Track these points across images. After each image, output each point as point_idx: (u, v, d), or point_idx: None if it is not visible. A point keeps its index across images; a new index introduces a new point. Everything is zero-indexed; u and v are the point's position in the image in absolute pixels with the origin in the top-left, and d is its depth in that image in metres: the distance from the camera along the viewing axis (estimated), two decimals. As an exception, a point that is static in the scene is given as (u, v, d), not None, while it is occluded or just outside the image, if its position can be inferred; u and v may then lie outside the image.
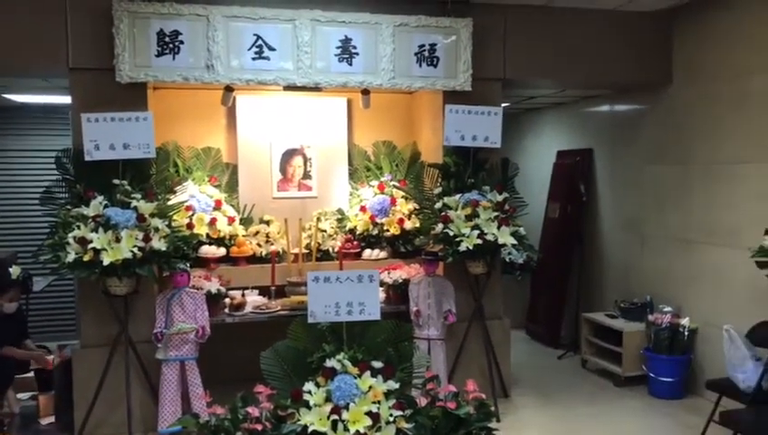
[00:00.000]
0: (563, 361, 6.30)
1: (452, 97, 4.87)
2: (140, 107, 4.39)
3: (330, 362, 2.74)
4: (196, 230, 4.90)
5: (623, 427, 4.70)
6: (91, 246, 3.90)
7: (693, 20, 5.18)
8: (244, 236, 5.24)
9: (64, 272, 4.02)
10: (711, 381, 4.43)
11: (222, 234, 5.13)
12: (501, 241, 4.53)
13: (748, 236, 4.40)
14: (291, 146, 5.58)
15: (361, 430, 2.51)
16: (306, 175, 5.62)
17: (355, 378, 2.69)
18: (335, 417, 2.54)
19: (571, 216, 6.77)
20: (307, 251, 5.24)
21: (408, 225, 5.39)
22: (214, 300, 4.55)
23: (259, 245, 5.25)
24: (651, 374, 5.25)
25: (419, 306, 4.78)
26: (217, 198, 5.23)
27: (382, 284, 4.88)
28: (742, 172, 4.74)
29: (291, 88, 4.73)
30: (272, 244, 5.26)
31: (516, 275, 7.01)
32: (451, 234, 4.55)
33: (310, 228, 5.37)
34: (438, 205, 4.74)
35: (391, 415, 2.59)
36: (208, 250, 5.04)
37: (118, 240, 3.95)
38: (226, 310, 4.71)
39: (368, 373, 2.70)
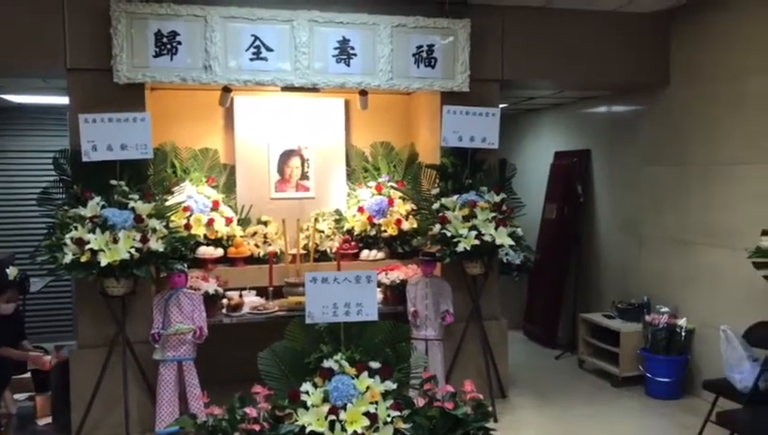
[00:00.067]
0: (561, 361, 6.31)
1: (450, 98, 4.87)
2: (138, 108, 4.39)
3: (327, 363, 2.75)
4: (193, 231, 4.91)
5: (620, 427, 4.71)
6: (88, 246, 3.90)
7: (690, 21, 5.19)
8: (241, 236, 5.25)
9: (61, 273, 4.01)
10: (708, 382, 4.44)
11: (219, 234, 5.13)
12: (498, 242, 4.54)
13: (745, 237, 4.41)
14: (288, 147, 5.58)
15: (359, 431, 2.51)
16: (304, 176, 5.62)
17: (353, 378, 2.69)
18: (333, 417, 2.55)
19: (568, 216, 6.78)
20: (305, 252, 5.24)
21: (406, 225, 5.39)
22: (211, 301, 4.55)
23: (257, 245, 5.25)
24: (648, 375, 5.25)
25: (417, 307, 4.79)
26: (215, 199, 5.23)
27: (380, 284, 4.88)
28: (739, 173, 4.75)
29: (288, 89, 4.73)
30: (269, 244, 5.26)
31: (514, 276, 7.02)
32: (448, 234, 4.56)
33: (307, 229, 5.37)
34: (436, 205, 4.75)
35: (389, 415, 2.59)
36: (206, 251, 5.04)
37: (115, 241, 3.95)
38: (224, 311, 4.70)
39: (365, 374, 2.71)
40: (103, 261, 3.89)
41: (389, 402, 2.64)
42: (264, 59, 4.50)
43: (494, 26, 5.02)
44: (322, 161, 5.64)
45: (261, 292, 5.05)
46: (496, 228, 4.55)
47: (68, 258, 3.90)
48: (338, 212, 5.62)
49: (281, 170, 5.58)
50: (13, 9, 4.24)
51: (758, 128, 4.59)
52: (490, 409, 2.89)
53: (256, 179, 5.51)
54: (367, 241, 5.47)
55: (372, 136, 5.83)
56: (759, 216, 4.43)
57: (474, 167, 4.86)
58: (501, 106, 5.11)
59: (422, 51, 4.78)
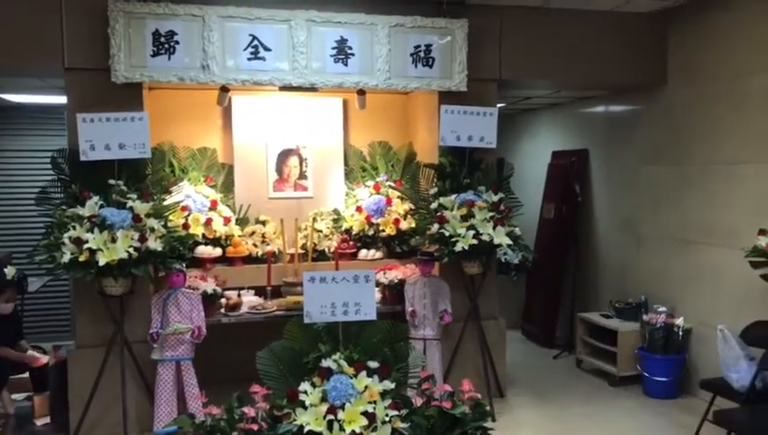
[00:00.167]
0: (558, 361, 6.32)
1: (447, 97, 4.88)
2: (136, 107, 4.39)
3: (326, 363, 2.75)
4: (191, 230, 4.90)
5: (618, 426, 4.72)
6: (86, 246, 3.90)
7: (688, 21, 5.20)
8: (239, 236, 5.25)
9: (60, 272, 4.01)
10: (705, 381, 4.45)
11: (218, 234, 5.13)
12: (496, 241, 4.54)
13: (742, 236, 4.42)
14: (286, 146, 5.58)
15: (357, 430, 2.52)
16: (302, 175, 5.62)
17: (351, 378, 2.69)
18: (331, 417, 2.55)
19: (566, 216, 6.78)
20: (303, 251, 5.25)
21: (404, 225, 5.40)
22: (210, 300, 4.55)
23: (255, 245, 5.25)
24: (646, 374, 5.27)
25: (415, 306, 4.79)
26: (213, 199, 5.22)
27: (378, 284, 4.89)
28: (738, 173, 4.76)
29: (286, 88, 4.73)
30: (268, 244, 5.26)
31: (512, 276, 7.02)
32: (447, 234, 4.56)
33: (306, 229, 5.37)
34: (434, 205, 4.75)
35: (387, 415, 2.59)
36: (204, 250, 5.03)
37: (113, 240, 3.95)
38: (222, 310, 4.71)
39: (364, 373, 2.71)
40: (101, 260, 3.89)
41: (388, 402, 2.64)
42: (262, 58, 4.50)
43: (492, 26, 5.03)
44: (321, 161, 5.65)
45: (259, 291, 5.06)
46: (494, 228, 4.55)
47: (66, 258, 3.90)
48: (336, 212, 5.62)
49: (279, 170, 5.58)
50: (11, 9, 4.24)
51: (757, 127, 4.60)
52: (488, 408, 2.89)
53: (254, 179, 5.51)
54: (365, 241, 5.47)
55: (370, 135, 5.83)
56: (757, 215, 4.44)
57: (472, 166, 4.87)
58: (499, 106, 5.12)
59: (420, 50, 4.78)
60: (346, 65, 4.65)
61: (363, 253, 5.43)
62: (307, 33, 4.54)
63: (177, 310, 4.30)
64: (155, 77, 4.36)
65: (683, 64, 5.30)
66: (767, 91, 4.52)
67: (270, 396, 2.72)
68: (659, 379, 5.17)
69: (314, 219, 5.45)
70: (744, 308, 4.54)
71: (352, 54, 4.65)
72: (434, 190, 4.86)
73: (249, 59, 4.48)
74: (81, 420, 4.32)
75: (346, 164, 5.75)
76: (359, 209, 5.50)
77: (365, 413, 2.57)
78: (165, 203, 4.48)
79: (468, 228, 4.54)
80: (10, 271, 4.86)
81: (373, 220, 5.44)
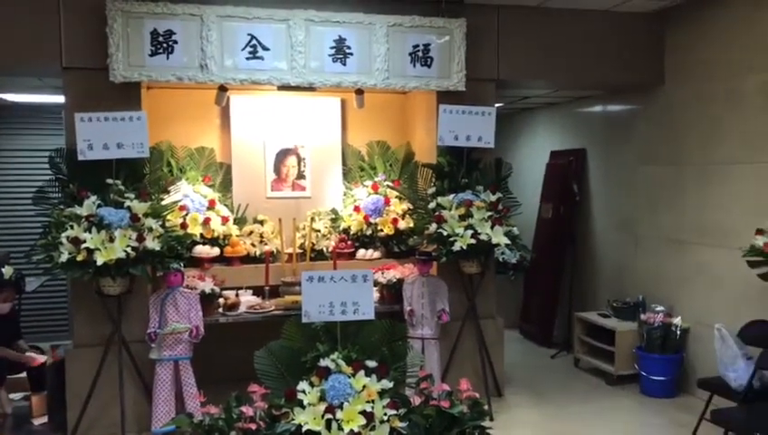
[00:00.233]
0: (556, 360, 6.33)
1: (446, 97, 4.88)
2: (134, 106, 4.38)
3: (324, 362, 2.75)
4: (189, 230, 4.89)
5: (615, 425, 4.73)
6: (84, 245, 3.89)
7: (685, 20, 5.21)
8: (237, 235, 5.24)
9: (57, 272, 4.00)
10: (702, 380, 4.46)
11: (216, 234, 5.12)
12: (494, 241, 4.55)
13: (740, 236, 4.43)
14: (285, 146, 5.58)
15: (355, 430, 2.51)
16: (300, 175, 5.62)
17: (349, 377, 2.69)
18: (329, 416, 2.55)
19: (564, 216, 6.79)
20: (301, 251, 5.25)
21: (402, 225, 5.40)
22: (208, 300, 4.54)
23: (253, 245, 5.25)
24: (643, 373, 5.28)
25: (413, 306, 4.79)
26: (211, 198, 5.22)
27: (376, 283, 4.89)
28: (735, 172, 4.78)
29: (285, 88, 4.73)
30: (266, 244, 5.26)
31: (510, 275, 7.03)
32: (445, 234, 4.56)
33: (304, 228, 5.37)
34: (432, 205, 4.76)
35: (385, 414, 2.59)
36: (202, 250, 5.03)
37: (111, 240, 3.94)
38: (220, 310, 4.70)
39: (362, 373, 2.71)
40: (99, 260, 3.88)
41: (386, 401, 2.64)
42: (261, 58, 4.50)
43: (490, 26, 5.03)
44: (319, 160, 5.65)
45: (257, 291, 5.06)
46: (492, 228, 4.56)
47: (64, 257, 3.89)
48: (334, 211, 5.62)
49: (277, 169, 5.58)
50: (9, 8, 4.23)
51: (753, 127, 4.61)
52: (486, 407, 2.89)
53: (252, 178, 5.51)
54: (363, 240, 5.47)
55: (368, 135, 5.83)
56: (754, 215, 4.45)
57: (470, 166, 4.87)
58: (496, 105, 5.13)
59: (418, 50, 4.79)
60: (344, 65, 4.65)
61: (361, 252, 5.43)
62: (305, 33, 4.55)
63: (175, 310, 4.30)
64: (153, 76, 4.35)
65: (680, 64, 5.31)
66: (764, 91, 4.53)
67: (268, 395, 2.71)
68: (657, 378, 5.18)
69: (312, 219, 5.45)
70: (741, 307, 4.55)
71: (351, 54, 4.65)
72: (432, 190, 4.87)
73: (247, 58, 4.48)
74: (79, 420, 4.32)
75: (344, 164, 5.75)
76: (357, 209, 5.50)
77: (363, 412, 2.56)
78: (163, 203, 4.47)
79: (466, 228, 4.54)
80: (8, 271, 4.85)
81: (371, 220, 5.44)
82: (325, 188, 5.67)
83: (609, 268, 6.30)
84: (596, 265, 6.49)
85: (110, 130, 4.18)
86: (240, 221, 5.38)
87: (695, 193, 5.16)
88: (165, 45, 4.35)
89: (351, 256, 5.41)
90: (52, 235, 4.02)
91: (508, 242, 4.61)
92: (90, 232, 3.93)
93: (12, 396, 5.00)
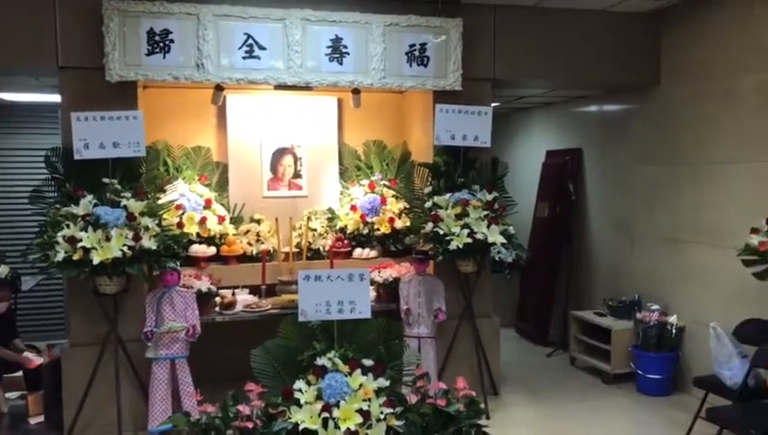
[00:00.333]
0: (552, 358, 6.35)
1: (442, 97, 4.89)
2: (130, 106, 4.38)
3: (320, 361, 2.75)
4: (186, 229, 4.89)
5: (611, 423, 4.74)
6: (80, 244, 3.89)
7: (681, 20, 5.23)
8: (234, 235, 5.24)
9: (53, 271, 4.00)
10: (698, 379, 4.48)
11: (212, 233, 5.12)
12: (490, 240, 4.56)
13: (735, 235, 4.44)
14: (281, 145, 5.58)
15: (352, 428, 2.52)
16: (296, 174, 5.62)
17: (346, 376, 2.70)
18: (326, 415, 2.56)
19: (560, 215, 6.81)
20: (297, 250, 5.25)
21: (399, 224, 5.40)
22: (204, 299, 4.54)
23: (249, 244, 5.25)
24: (639, 372, 5.29)
25: (410, 305, 4.80)
26: (207, 197, 5.22)
27: (373, 282, 4.89)
28: (730, 172, 4.79)
29: (281, 87, 4.73)
30: (262, 243, 5.26)
31: (506, 274, 7.05)
32: (441, 233, 4.57)
33: (300, 227, 5.37)
34: (428, 204, 4.76)
35: (382, 412, 2.60)
36: (198, 249, 5.03)
37: (108, 239, 3.94)
38: (217, 309, 4.70)
39: (358, 371, 2.72)
40: (96, 259, 3.88)
41: (382, 399, 2.65)
42: (257, 57, 4.51)
43: (486, 25, 5.04)
44: (315, 160, 5.65)
45: (254, 290, 5.06)
46: (488, 227, 4.57)
47: (60, 256, 3.89)
48: (331, 210, 5.62)
49: (273, 169, 5.58)
50: (4, 7, 4.22)
51: (748, 127, 4.63)
52: (482, 406, 2.91)
53: (249, 178, 5.50)
54: (360, 239, 5.48)
55: (365, 134, 5.84)
56: (749, 214, 4.46)
57: (466, 165, 4.88)
58: (493, 105, 5.14)
59: (414, 49, 4.79)
60: (341, 64, 4.66)
61: (358, 251, 5.44)
62: (302, 32, 4.55)
63: (172, 309, 4.29)
64: (149, 76, 4.35)
65: (676, 64, 5.33)
66: (759, 91, 4.55)
67: (265, 394, 2.72)
68: (653, 376, 5.20)
69: (309, 218, 5.45)
70: (736, 306, 4.57)
71: (347, 53, 4.66)
72: (428, 189, 4.87)
73: (244, 58, 4.49)
74: (75, 419, 4.31)
75: (341, 163, 5.76)
76: (353, 208, 5.50)
77: (360, 411, 2.57)
78: (159, 202, 4.47)
79: (463, 227, 4.55)
80: (3, 270, 4.85)
81: (368, 219, 5.44)
82: (322, 187, 5.68)
83: (604, 267, 6.32)
84: (592, 264, 6.50)
85: (106, 130, 4.17)
86: (236, 220, 5.38)
87: (690, 192, 5.17)
88: (161, 45, 4.35)
89: (348, 254, 5.42)
90: (49, 234, 4.01)
91: (504, 241, 4.62)
92: (86, 231, 3.93)
93: (8, 395, 4.99)
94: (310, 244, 5.32)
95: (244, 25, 4.46)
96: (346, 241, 5.45)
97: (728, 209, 4.79)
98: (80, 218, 3.98)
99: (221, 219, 5.20)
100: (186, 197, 5.11)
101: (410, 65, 4.79)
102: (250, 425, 2.57)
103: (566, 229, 6.72)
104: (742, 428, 3.76)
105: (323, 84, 4.68)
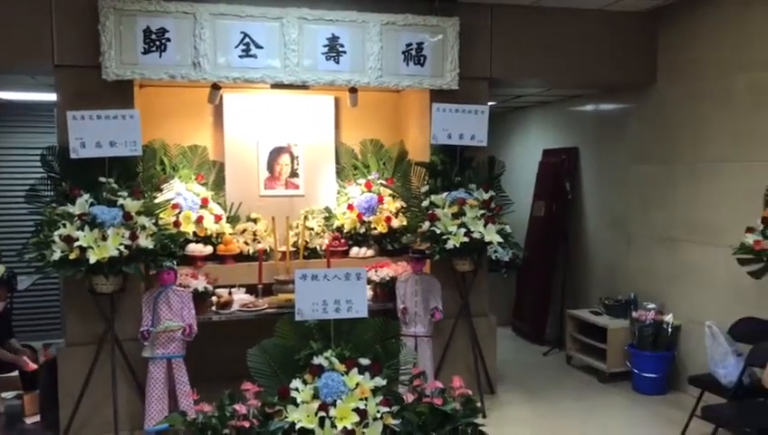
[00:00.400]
0: (548, 357, 6.36)
1: (439, 96, 4.89)
2: (127, 105, 4.37)
3: (317, 360, 2.76)
4: (182, 228, 4.88)
5: (607, 422, 4.76)
6: (77, 244, 3.88)
7: (677, 19, 5.24)
8: (231, 234, 5.24)
9: (50, 270, 3.99)
10: (693, 377, 4.50)
11: (209, 232, 5.11)
12: (487, 239, 4.56)
13: (731, 234, 4.46)
14: (278, 144, 5.57)
15: (349, 427, 2.53)
16: (293, 173, 5.62)
17: (342, 375, 2.70)
18: (322, 414, 2.56)
19: (556, 214, 6.82)
20: (294, 249, 5.25)
21: (396, 223, 5.41)
22: (201, 298, 4.54)
23: (246, 243, 5.24)
24: (635, 370, 5.31)
25: (406, 304, 4.81)
26: (204, 196, 5.21)
27: (369, 281, 4.89)
28: (724, 171, 4.81)
29: (278, 86, 4.72)
30: (259, 242, 5.26)
31: (502, 273, 7.06)
32: (438, 232, 4.58)
33: (297, 226, 5.37)
34: (425, 203, 4.77)
35: (378, 411, 2.61)
36: (195, 248, 5.02)
37: (104, 238, 3.93)
38: (213, 308, 4.70)
39: (355, 370, 2.72)
40: (92, 258, 3.87)
41: (379, 399, 2.65)
42: (254, 56, 4.50)
43: (483, 24, 5.05)
44: (312, 159, 5.65)
45: (250, 289, 5.05)
46: (485, 226, 4.57)
47: (56, 256, 3.88)
48: (327, 209, 5.62)
49: (270, 168, 5.57)
50: (0, 6, 4.21)
51: (743, 126, 4.64)
52: (479, 404, 2.91)
53: (246, 177, 5.50)
54: (356, 238, 5.48)
55: (362, 133, 5.83)
56: (744, 213, 4.47)
57: (463, 164, 4.88)
58: (489, 104, 5.14)
59: (411, 48, 4.79)
60: (338, 63, 4.66)
61: (355, 251, 5.44)
62: (299, 31, 4.54)
63: (168, 308, 4.29)
64: (146, 74, 4.34)
65: (672, 63, 5.34)
66: (753, 90, 4.57)
67: (261, 393, 2.72)
68: (648, 375, 5.22)
69: (306, 217, 5.45)
70: (731, 305, 4.59)
71: (344, 52, 4.66)
72: (425, 188, 4.88)
73: (240, 56, 4.48)
74: (72, 419, 4.31)
75: (337, 162, 5.76)
76: (350, 207, 5.50)
77: (356, 410, 2.58)
78: (156, 201, 4.46)
79: (459, 226, 4.55)
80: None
81: (365, 218, 5.44)
82: (318, 186, 5.67)
83: (601, 266, 6.33)
84: (588, 263, 6.52)
85: (102, 129, 4.16)
86: (233, 219, 5.37)
87: (686, 191, 5.19)
88: (158, 43, 4.34)
89: (345, 254, 5.42)
90: (45, 233, 4.00)
91: (501, 240, 4.63)
92: (82, 230, 3.92)
93: (4, 395, 4.98)
94: (306, 243, 5.32)
95: (241, 24, 4.45)
96: (343, 240, 5.45)
97: (723, 208, 4.81)
98: (76, 217, 3.97)
99: (218, 218, 5.19)
100: (182, 196, 5.10)
101: (407, 64, 4.79)
102: (247, 424, 2.57)
103: (562, 228, 6.73)
104: (737, 426, 3.78)
105: (320, 83, 4.68)
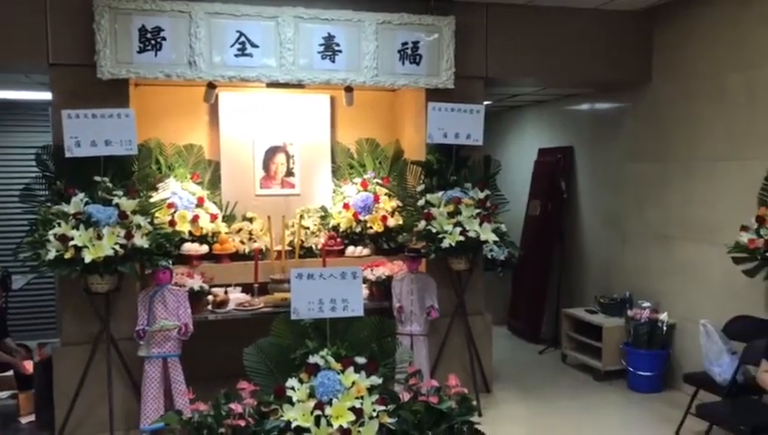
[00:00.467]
0: (544, 356, 6.37)
1: (435, 95, 4.89)
2: (122, 103, 4.36)
3: (313, 359, 2.76)
4: (178, 227, 4.87)
5: (603, 420, 4.77)
6: (72, 243, 3.87)
7: (672, 18, 5.25)
8: (226, 233, 5.23)
9: (45, 270, 3.97)
10: (688, 375, 4.52)
11: (204, 231, 5.11)
12: (483, 238, 4.57)
13: (724, 232, 4.47)
14: (274, 143, 5.57)
15: (345, 426, 2.53)
16: (289, 172, 5.61)
17: (338, 374, 2.71)
18: (318, 412, 2.56)
19: (551, 213, 6.83)
20: (290, 248, 5.24)
21: (391, 222, 5.41)
22: (196, 297, 4.53)
23: (242, 242, 5.24)
24: (630, 369, 5.32)
25: (402, 302, 4.81)
26: (200, 196, 5.21)
27: (365, 280, 4.90)
28: (719, 169, 4.82)
29: (274, 85, 4.72)
30: (255, 241, 5.26)
31: (498, 272, 7.07)
32: (434, 231, 4.58)
33: (293, 226, 5.37)
34: (421, 202, 4.77)
35: (374, 410, 2.61)
36: (191, 247, 5.02)
37: (99, 237, 3.92)
38: (209, 307, 4.69)
39: (351, 369, 2.73)
40: (87, 258, 3.86)
41: (375, 397, 2.65)
42: (249, 55, 4.50)
43: (479, 23, 5.05)
44: (308, 158, 5.64)
45: (246, 288, 5.05)
46: (481, 225, 4.58)
47: (51, 255, 3.86)
48: (323, 209, 5.62)
49: (266, 167, 5.57)
50: (-6, 4, 4.20)
51: (737, 124, 4.66)
52: (474, 403, 2.92)
53: (241, 176, 5.49)
54: (352, 237, 5.48)
55: (358, 132, 5.83)
56: (738, 211, 4.49)
57: (458, 163, 4.89)
58: (485, 103, 5.15)
59: (407, 48, 4.79)
60: (333, 62, 4.65)
61: (350, 250, 5.44)
62: (294, 30, 4.54)
63: (164, 307, 4.28)
64: (141, 73, 4.33)
65: (667, 61, 5.35)
66: (747, 88, 4.58)
67: (257, 392, 2.72)
68: (644, 373, 5.23)
69: (301, 216, 5.45)
70: (726, 303, 4.61)
71: (340, 51, 4.65)
72: (421, 187, 4.88)
73: (236, 55, 4.47)
74: (67, 418, 4.30)
75: (333, 161, 5.75)
76: (346, 206, 5.51)
77: (352, 409, 2.58)
78: (151, 200, 4.46)
79: (455, 225, 4.56)
80: (-7, 269, 4.82)
81: (360, 217, 5.45)
82: (314, 185, 5.67)
83: (596, 265, 6.35)
84: (583, 262, 6.53)
85: (97, 128, 4.15)
86: (229, 219, 5.37)
87: (681, 190, 5.20)
88: (153, 42, 4.33)
89: (341, 253, 5.42)
90: (40, 232, 3.99)
91: (496, 239, 4.64)
92: (77, 229, 3.91)
93: (-1, 394, 4.97)
94: (302, 242, 5.32)
95: (237, 23, 4.45)
96: (339, 239, 5.45)
97: (717, 206, 4.82)
98: (71, 217, 3.96)
99: (213, 218, 5.19)
100: (178, 195, 5.09)
101: (403, 63, 4.79)
102: (242, 423, 2.57)
103: (558, 227, 6.75)
104: (731, 424, 3.79)
105: (316, 82, 4.68)
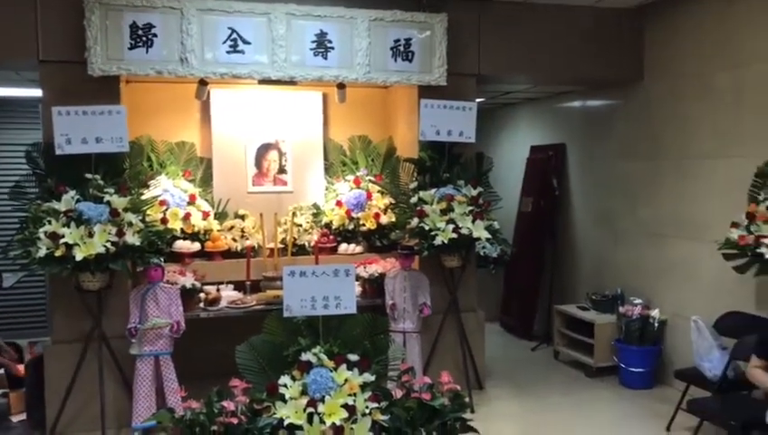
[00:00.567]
0: (536, 352, 6.39)
1: (427, 92, 4.89)
2: (113, 100, 4.34)
3: (305, 356, 2.76)
4: (170, 225, 4.86)
5: (595, 416, 4.79)
6: (62, 241, 3.85)
7: (663, 16, 5.27)
8: (218, 230, 5.22)
9: (35, 267, 3.95)
10: (679, 371, 4.54)
11: (196, 229, 5.09)
12: (475, 235, 4.58)
13: (715, 229, 4.50)
14: (266, 140, 5.56)
15: (337, 423, 2.53)
16: (281, 169, 5.60)
17: (331, 371, 2.71)
18: (311, 410, 2.56)
19: (544, 210, 6.85)
20: (282, 246, 5.24)
21: (384, 219, 5.41)
22: (188, 295, 4.52)
23: (234, 239, 5.23)
24: (622, 365, 5.35)
25: (395, 300, 4.81)
26: (192, 193, 5.19)
27: (358, 278, 4.89)
28: (709, 167, 4.85)
29: (266, 82, 4.71)
30: (247, 238, 5.24)
31: (490, 269, 7.09)
32: (426, 228, 4.59)
33: (285, 223, 5.36)
34: (414, 199, 4.77)
35: (367, 407, 2.61)
36: (183, 245, 5.00)
37: (90, 235, 3.90)
38: (201, 305, 4.68)
39: (344, 366, 2.73)
40: (78, 255, 3.84)
41: (367, 394, 2.66)
42: (241, 52, 4.48)
43: (471, 21, 5.05)
44: (300, 155, 5.63)
45: (238, 286, 5.04)
46: (473, 222, 4.59)
47: (42, 253, 3.84)
48: (316, 206, 5.61)
49: (258, 164, 5.56)
50: (-17, -1, 4.17)
51: (725, 122, 4.68)
52: (467, 400, 2.92)
53: (233, 173, 5.48)
54: (345, 235, 5.48)
55: (350, 130, 5.83)
56: (726, 209, 4.51)
57: (451, 160, 4.89)
58: (478, 100, 5.15)
59: (399, 44, 4.79)
60: (326, 59, 4.65)
61: (343, 247, 5.43)
62: (286, 27, 4.53)
63: (156, 305, 4.27)
64: (132, 70, 4.31)
65: (657, 60, 5.37)
66: (734, 87, 4.61)
67: (250, 390, 2.72)
68: (635, 370, 5.26)
69: (294, 214, 5.44)
70: (716, 299, 4.63)
71: (332, 48, 4.65)
72: (414, 185, 4.88)
73: (228, 52, 4.46)
74: (58, 417, 4.28)
75: (326, 158, 5.75)
76: (339, 204, 5.50)
77: (345, 406, 2.58)
78: (143, 197, 4.44)
79: (448, 222, 4.57)
80: (-16, 267, 4.79)
81: (353, 214, 5.44)
82: (307, 182, 5.66)
83: (588, 262, 6.37)
84: (575, 259, 6.56)
85: (88, 125, 4.13)
86: (221, 216, 5.35)
87: (672, 187, 5.23)
88: (144, 39, 4.31)
89: (333, 250, 5.41)
90: (30, 230, 3.96)
91: (489, 236, 4.65)
92: (68, 227, 3.89)
93: (-11, 393, 4.94)
94: (295, 239, 5.31)
95: (228, 20, 4.43)
96: (331, 237, 5.45)
97: (707, 204, 4.85)
98: (62, 214, 3.94)
99: (205, 215, 5.17)
100: (169, 192, 5.07)
101: (395, 60, 4.79)
102: (235, 421, 2.57)
103: (550, 224, 6.77)
104: (722, 419, 3.82)
105: (308, 79, 4.66)
